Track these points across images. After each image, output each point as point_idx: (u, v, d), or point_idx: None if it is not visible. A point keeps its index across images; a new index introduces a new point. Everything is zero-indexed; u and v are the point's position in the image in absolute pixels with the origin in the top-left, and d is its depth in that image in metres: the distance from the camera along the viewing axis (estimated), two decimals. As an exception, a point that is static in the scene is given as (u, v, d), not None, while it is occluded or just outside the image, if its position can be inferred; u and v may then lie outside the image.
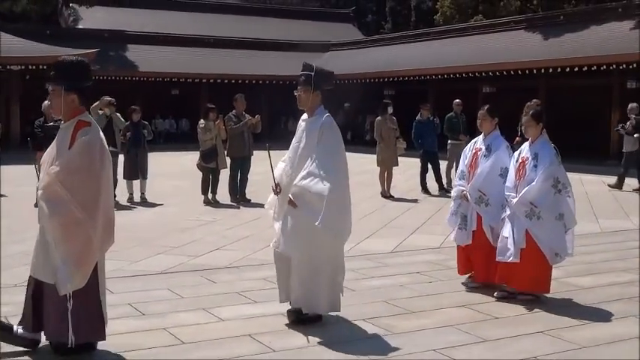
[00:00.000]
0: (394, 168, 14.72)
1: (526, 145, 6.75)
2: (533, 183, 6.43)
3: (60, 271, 4.66)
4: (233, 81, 31.87)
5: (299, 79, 5.84)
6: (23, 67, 26.63)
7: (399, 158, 14.81)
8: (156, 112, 32.37)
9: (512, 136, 15.89)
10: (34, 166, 12.55)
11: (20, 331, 4.95)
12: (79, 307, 4.72)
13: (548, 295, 6.65)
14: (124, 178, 13.30)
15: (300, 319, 5.66)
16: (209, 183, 13.23)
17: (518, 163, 6.69)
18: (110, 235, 4.96)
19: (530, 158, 6.58)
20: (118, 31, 34.61)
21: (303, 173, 5.53)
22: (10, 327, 5.00)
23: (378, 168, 14.71)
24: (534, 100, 15.65)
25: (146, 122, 13.99)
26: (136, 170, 13.31)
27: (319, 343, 5.29)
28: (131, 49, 33.87)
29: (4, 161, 17.32)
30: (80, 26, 38.40)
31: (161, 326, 5.62)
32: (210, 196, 13.21)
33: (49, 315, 4.82)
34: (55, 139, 4.99)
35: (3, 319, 5.26)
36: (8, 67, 26.36)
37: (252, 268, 7.83)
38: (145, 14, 39.30)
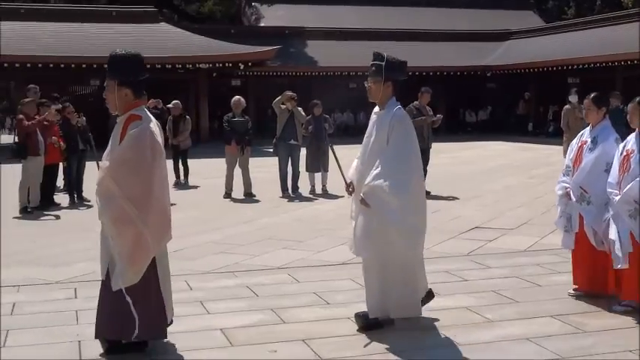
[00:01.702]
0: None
1: (632, 136, 5.93)
2: (638, 178, 5.64)
3: (116, 267, 4.63)
4: (410, 73, 31.73)
5: (369, 69, 5.52)
6: (210, 65, 27.94)
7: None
8: (335, 105, 32.92)
9: None
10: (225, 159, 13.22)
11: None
12: (137, 303, 4.68)
13: None
14: (306, 170, 13.64)
15: (367, 324, 5.35)
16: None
17: (622, 156, 5.89)
18: (166, 231, 4.83)
19: (636, 150, 5.77)
20: (298, 27, 35.50)
21: (374, 171, 5.22)
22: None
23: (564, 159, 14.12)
24: None
25: (327, 116, 14.27)
26: (318, 163, 13.60)
27: (505, 339, 5.17)
28: (310, 45, 34.65)
29: (196, 155, 18.23)
30: (262, 24, 39.75)
31: (346, 315, 5.70)
32: (389, 188, 13.23)
33: (101, 313, 4.77)
34: (111, 135, 4.91)
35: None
36: (197, 65, 27.77)
37: (431, 260, 7.76)
38: (324, 10, 40.00)
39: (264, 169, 15.47)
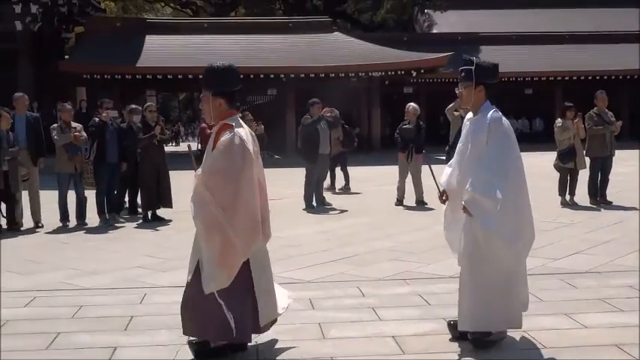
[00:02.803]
0: None
1: None
2: None
3: (205, 270, 4.75)
4: (590, 77, 30.53)
5: (459, 75, 5.27)
6: (383, 73, 28.15)
7: None
8: (509, 111, 32.16)
9: None
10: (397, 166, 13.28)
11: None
12: (230, 305, 4.75)
13: None
14: (479, 178, 13.39)
15: (464, 336, 5.12)
16: (567, 184, 12.81)
17: None
18: (255, 236, 4.82)
19: None
20: (471, 33, 35.04)
21: (473, 178, 4.96)
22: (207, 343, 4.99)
23: None
24: None
25: (501, 122, 13.93)
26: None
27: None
28: (484, 50, 34.05)
29: (368, 162, 18.43)
30: (434, 31, 39.60)
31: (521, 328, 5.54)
32: (567, 197, 12.78)
33: (194, 314, 4.88)
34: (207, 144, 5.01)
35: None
36: (370, 73, 28.07)
37: (616, 274, 7.38)
38: (498, 14, 39.27)
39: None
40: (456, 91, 5.42)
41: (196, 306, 4.86)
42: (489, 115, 5.13)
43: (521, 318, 5.19)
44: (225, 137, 4.78)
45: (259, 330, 5.01)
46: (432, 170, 5.47)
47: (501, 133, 5.09)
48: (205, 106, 5.01)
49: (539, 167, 17.08)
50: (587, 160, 12.79)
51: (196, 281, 4.84)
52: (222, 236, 4.70)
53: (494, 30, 35.57)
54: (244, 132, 4.86)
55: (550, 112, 29.84)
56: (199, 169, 4.88)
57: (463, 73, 5.27)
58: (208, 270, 4.74)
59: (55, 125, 11.33)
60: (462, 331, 5.19)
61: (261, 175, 5.06)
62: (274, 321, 5.19)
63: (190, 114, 73.20)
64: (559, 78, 31.90)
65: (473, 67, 5.22)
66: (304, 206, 12.84)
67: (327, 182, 15.80)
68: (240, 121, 4.98)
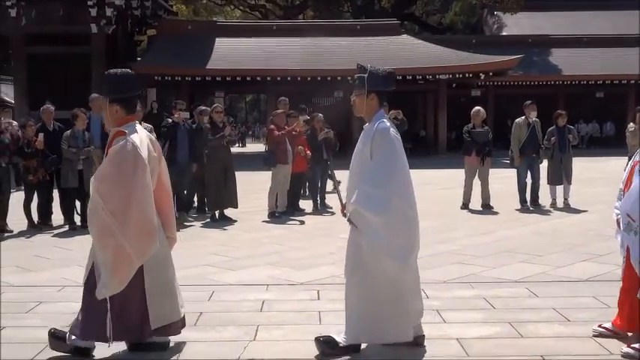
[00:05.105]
0: None
1: None
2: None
3: (100, 276, 4.79)
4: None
5: (353, 82, 5.15)
6: (450, 75, 27.98)
7: None
8: (579, 115, 31.58)
9: None
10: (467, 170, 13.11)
11: (73, 337, 4.97)
12: (117, 308, 4.80)
13: None
14: (548, 183, 13.24)
15: (331, 349, 5.00)
16: (637, 190, 12.55)
17: (630, 169, 5.29)
18: (149, 243, 4.80)
19: None
20: (542, 35, 34.53)
21: (357, 190, 4.86)
22: (63, 336, 5.03)
23: None
24: None
25: (572, 127, 13.75)
26: (560, 175, 13.15)
27: None
28: (555, 53, 33.57)
29: (434, 165, 18.36)
30: (504, 33, 39.10)
31: (587, 334, 5.49)
32: (638, 203, 12.52)
33: (83, 315, 4.92)
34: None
35: (61, 329, 5.19)
36: (437, 76, 27.94)
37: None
38: (569, 16, 38.55)
39: (503, 180, 15.21)
40: (351, 99, 5.24)
41: (84, 305, 4.96)
42: (375, 125, 5.01)
43: (411, 331, 5.06)
44: (117, 144, 4.83)
45: (150, 332, 5.00)
46: (334, 179, 5.30)
47: (386, 144, 4.94)
48: (104, 113, 5.09)
49: (609, 172, 16.76)
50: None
51: (87, 282, 4.95)
52: (114, 242, 4.74)
53: (565, 32, 34.97)
54: (138, 138, 4.86)
55: (622, 116, 29.19)
56: (94, 175, 4.97)
57: (356, 81, 5.16)
58: (102, 276, 4.80)
59: (128, 126, 11.63)
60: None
61: (166, 179, 5.13)
62: (182, 325, 5.22)
63: (257, 115, 74.07)
64: (632, 81, 31.15)
65: (365, 75, 5.09)
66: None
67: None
68: (137, 126, 5.00)
